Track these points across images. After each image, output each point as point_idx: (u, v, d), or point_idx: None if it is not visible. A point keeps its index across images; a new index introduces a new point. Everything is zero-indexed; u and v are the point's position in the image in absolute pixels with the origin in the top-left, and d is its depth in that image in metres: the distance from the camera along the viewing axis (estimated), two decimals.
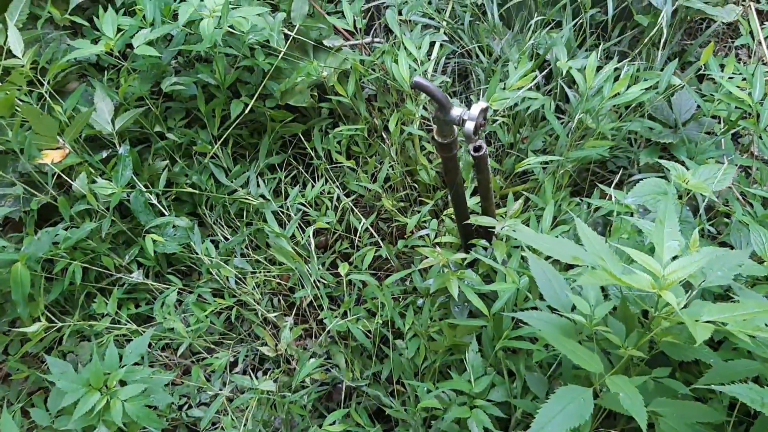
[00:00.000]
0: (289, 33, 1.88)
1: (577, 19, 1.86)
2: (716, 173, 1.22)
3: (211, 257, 1.71)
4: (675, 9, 1.73)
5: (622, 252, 0.96)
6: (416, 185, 1.83)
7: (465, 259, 1.42)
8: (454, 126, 1.17)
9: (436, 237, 1.61)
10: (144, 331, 1.59)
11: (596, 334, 1.01)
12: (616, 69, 1.50)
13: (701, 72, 1.90)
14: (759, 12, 1.92)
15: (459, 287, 1.28)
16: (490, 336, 1.39)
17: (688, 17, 1.75)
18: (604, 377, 0.90)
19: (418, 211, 1.82)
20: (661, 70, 1.58)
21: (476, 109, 1.08)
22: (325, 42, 2.02)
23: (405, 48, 1.63)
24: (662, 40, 1.53)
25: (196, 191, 1.82)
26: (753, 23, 1.68)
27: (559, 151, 1.72)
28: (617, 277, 0.83)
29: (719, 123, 1.67)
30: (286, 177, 1.93)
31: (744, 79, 1.51)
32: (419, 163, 1.76)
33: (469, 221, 1.39)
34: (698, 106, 1.64)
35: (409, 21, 1.89)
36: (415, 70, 1.61)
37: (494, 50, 1.95)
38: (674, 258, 0.86)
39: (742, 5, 1.77)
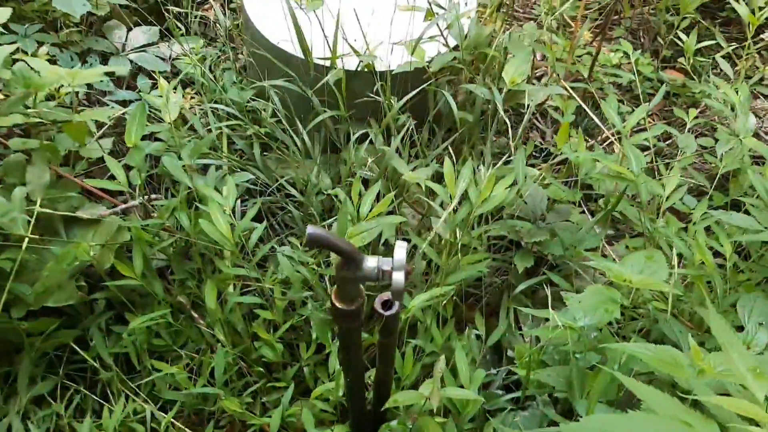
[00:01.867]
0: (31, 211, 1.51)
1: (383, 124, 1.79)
2: (644, 263, 1.16)
3: None
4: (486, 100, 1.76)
5: None
6: (253, 368, 1.52)
7: None
8: (362, 285, 0.94)
9: None
10: None
11: None
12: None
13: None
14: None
15: None
16: None
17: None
18: None
19: (267, 404, 1.51)
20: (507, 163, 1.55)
21: (401, 252, 0.87)
22: (80, 213, 1.67)
23: (209, 198, 1.38)
24: (511, 132, 1.51)
25: None
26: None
27: (419, 278, 1.58)
28: None
29: (579, 207, 1.68)
30: (66, 408, 1.48)
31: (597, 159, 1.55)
32: (259, 338, 1.47)
33: (386, 405, 1.13)
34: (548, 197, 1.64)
35: (192, 166, 1.64)
36: (232, 224, 1.35)
37: (301, 181, 1.78)
38: None
39: (547, 84, 1.86)
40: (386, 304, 0.99)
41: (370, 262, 0.88)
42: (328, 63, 1.71)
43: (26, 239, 1.40)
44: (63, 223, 1.59)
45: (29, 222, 1.38)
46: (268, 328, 1.50)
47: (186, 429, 1.44)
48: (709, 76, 2.28)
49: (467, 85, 1.58)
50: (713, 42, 2.25)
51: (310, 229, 0.83)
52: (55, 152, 1.55)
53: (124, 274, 1.43)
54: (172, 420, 1.43)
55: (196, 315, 1.54)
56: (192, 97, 2.05)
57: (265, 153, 1.85)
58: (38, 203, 1.48)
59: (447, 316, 1.43)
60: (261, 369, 1.47)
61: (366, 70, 1.69)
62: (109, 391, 1.50)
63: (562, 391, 1.23)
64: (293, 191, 1.71)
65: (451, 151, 1.48)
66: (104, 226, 1.56)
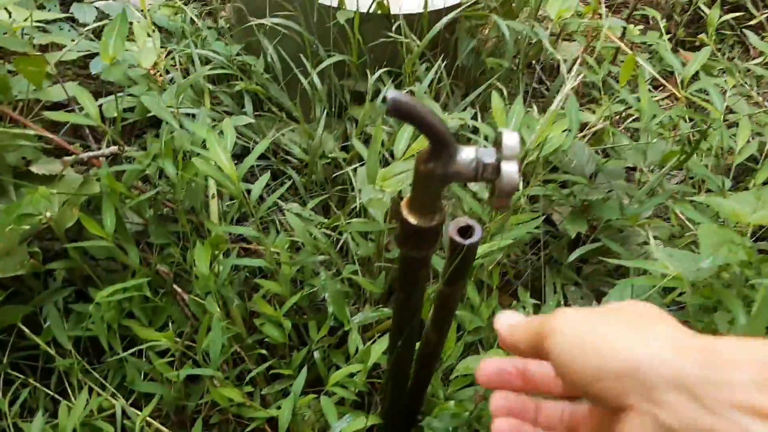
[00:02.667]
0: None
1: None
2: (755, 202, 0.95)
3: None
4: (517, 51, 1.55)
5: None
6: (252, 352, 1.25)
7: None
8: (441, 192, 0.68)
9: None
10: None
11: None
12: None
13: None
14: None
15: None
16: None
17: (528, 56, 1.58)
18: None
19: (268, 397, 1.23)
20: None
21: (512, 137, 0.62)
22: (34, 168, 1.38)
23: (207, 137, 1.11)
24: (566, 76, 1.28)
25: None
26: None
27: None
28: None
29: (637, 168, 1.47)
30: (11, 405, 1.18)
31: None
32: (259, 316, 1.20)
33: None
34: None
35: (176, 113, 1.37)
36: (236, 162, 1.09)
37: (302, 142, 1.53)
38: None
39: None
40: (464, 231, 0.75)
41: (467, 151, 0.64)
42: (335, 3, 1.48)
43: None
44: (12, 179, 1.31)
45: None
46: (271, 304, 1.24)
47: (165, 430, 1.16)
48: (732, 49, 2.13)
49: (508, 21, 1.37)
50: (738, 14, 2.10)
51: (393, 93, 0.58)
52: (5, 88, 1.27)
53: (92, 231, 1.15)
54: (148, 418, 1.14)
55: (178, 288, 1.27)
56: (167, 54, 1.79)
57: (256, 113, 1.60)
58: None
59: (493, 284, 1.18)
60: (264, 351, 1.19)
61: (380, 12, 1.47)
62: (67, 383, 1.21)
63: None
64: (296, 150, 1.46)
65: (504, 90, 1.26)
66: (65, 181, 1.29)
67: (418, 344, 0.95)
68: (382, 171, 1.05)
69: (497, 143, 0.64)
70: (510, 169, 0.62)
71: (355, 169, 1.22)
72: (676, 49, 2.33)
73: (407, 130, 1.10)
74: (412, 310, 0.81)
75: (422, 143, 1.09)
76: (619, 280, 1.41)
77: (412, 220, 0.68)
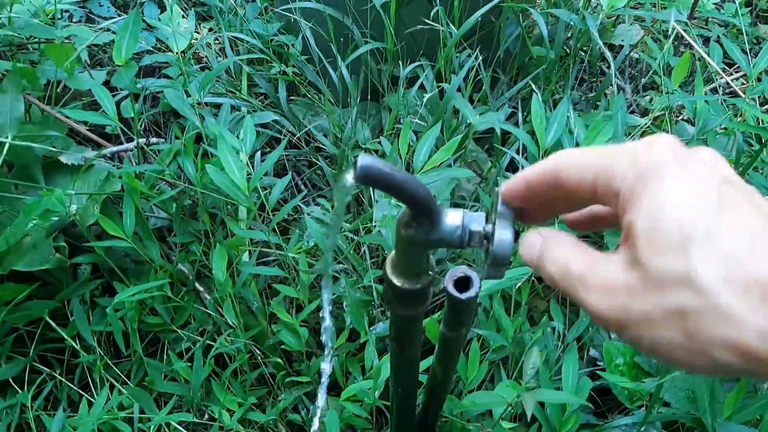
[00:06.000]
0: None
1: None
2: None
3: None
4: (565, 38, 1.44)
5: None
6: (269, 357, 1.23)
7: None
8: (431, 255, 0.63)
9: None
10: None
11: None
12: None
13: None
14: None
15: None
16: None
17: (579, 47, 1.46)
18: None
19: (278, 412, 1.22)
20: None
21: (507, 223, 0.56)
22: (63, 159, 1.39)
23: (220, 138, 1.08)
24: (614, 74, 1.18)
25: None
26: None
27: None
28: None
29: None
30: (35, 398, 1.20)
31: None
32: (278, 321, 1.18)
33: None
34: None
35: (203, 103, 1.34)
36: (248, 173, 1.05)
37: (334, 130, 1.48)
38: None
39: (641, 27, 1.53)
40: (462, 283, 0.69)
41: (452, 217, 0.57)
42: None
43: None
44: (42, 169, 1.31)
45: None
46: (290, 308, 1.21)
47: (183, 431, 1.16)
48: None
49: (553, 10, 1.26)
50: None
51: (364, 158, 0.52)
52: (33, 78, 1.26)
53: (111, 232, 1.14)
54: (167, 419, 1.15)
55: (201, 288, 1.26)
56: (210, 30, 1.75)
57: (292, 97, 1.55)
58: (8, 141, 1.20)
59: (521, 300, 1.12)
60: (279, 360, 1.17)
61: None
62: (90, 378, 1.23)
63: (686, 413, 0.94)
64: (325, 141, 1.41)
65: (549, 84, 1.16)
66: (90, 173, 1.28)
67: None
68: None
69: (493, 206, 0.58)
70: (503, 238, 0.55)
71: None
72: (755, 23, 2.14)
73: (429, 138, 1.03)
74: (406, 362, 0.77)
75: (447, 152, 1.02)
76: None
77: (397, 281, 0.62)
